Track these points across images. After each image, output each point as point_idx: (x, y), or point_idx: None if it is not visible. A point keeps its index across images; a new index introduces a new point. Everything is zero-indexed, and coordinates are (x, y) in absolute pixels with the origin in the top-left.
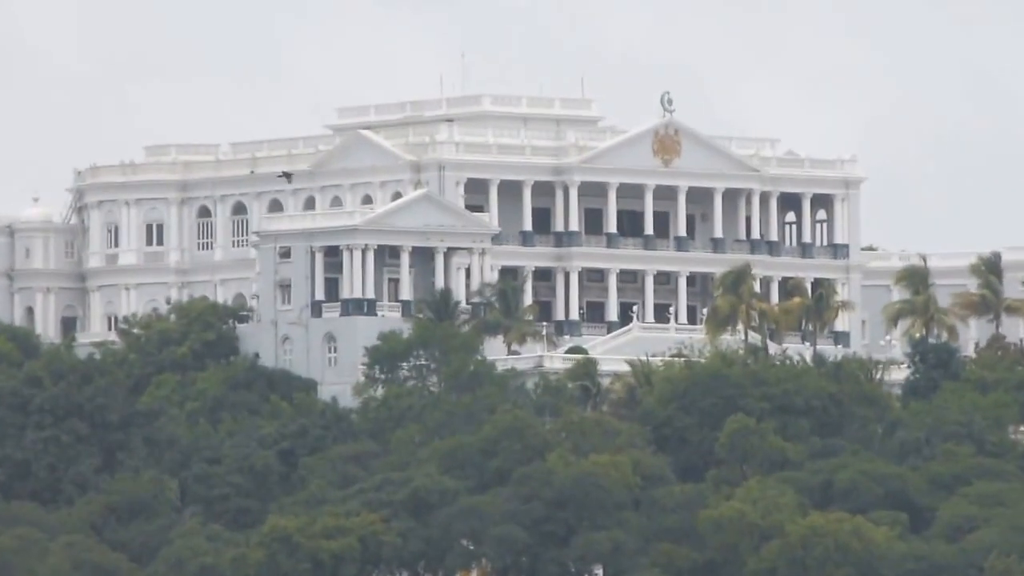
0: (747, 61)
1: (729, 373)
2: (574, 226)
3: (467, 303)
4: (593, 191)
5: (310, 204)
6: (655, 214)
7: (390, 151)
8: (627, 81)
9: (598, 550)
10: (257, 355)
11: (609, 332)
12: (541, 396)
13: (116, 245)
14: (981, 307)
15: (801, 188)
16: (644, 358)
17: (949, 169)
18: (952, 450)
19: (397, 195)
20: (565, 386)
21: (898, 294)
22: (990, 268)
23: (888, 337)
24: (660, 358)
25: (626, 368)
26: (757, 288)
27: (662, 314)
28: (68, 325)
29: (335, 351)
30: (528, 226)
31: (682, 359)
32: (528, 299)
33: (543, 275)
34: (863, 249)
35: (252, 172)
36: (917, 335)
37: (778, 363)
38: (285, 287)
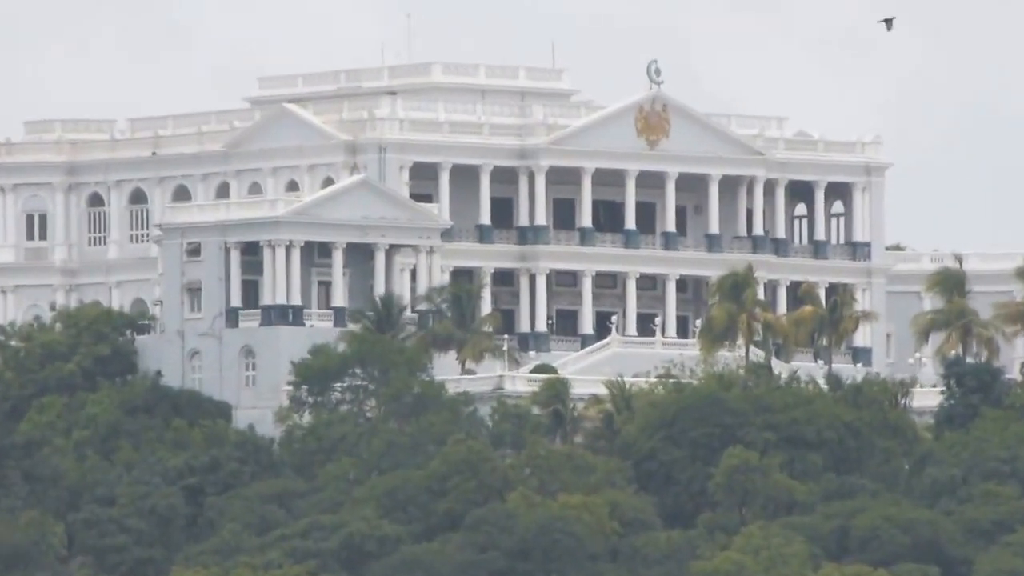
0: (748, 23)
1: (726, 397)
2: (541, 219)
3: (413, 311)
4: (564, 178)
5: (224, 192)
6: (639, 205)
7: (321, 129)
8: (605, 47)
9: None
10: (160, 373)
11: (583, 347)
12: (501, 424)
13: None
14: None
15: (814, 175)
16: (625, 379)
17: (990, 153)
18: (993, 491)
19: (329, 181)
20: (530, 412)
21: (930, 303)
22: None
23: (917, 355)
24: (644, 379)
25: (603, 391)
26: (761, 295)
27: (646, 326)
28: None
29: (254, 368)
30: (486, 219)
31: (670, 380)
32: (486, 307)
33: (504, 278)
34: (887, 249)
35: (154, 153)
36: (952, 352)
37: (785, 386)
38: (194, 291)
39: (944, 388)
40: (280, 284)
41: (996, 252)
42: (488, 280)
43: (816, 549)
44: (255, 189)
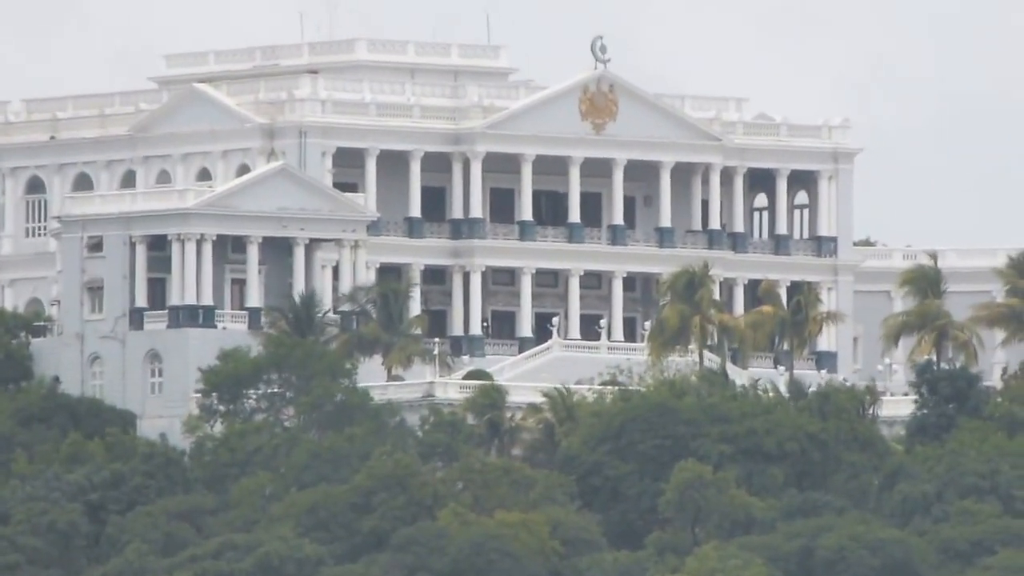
0: None
1: (678, 406)
2: (476, 211)
3: (335, 312)
4: (502, 166)
5: (129, 180)
6: (583, 196)
7: (235, 111)
8: (546, 22)
9: None
10: (57, 379)
11: (521, 351)
12: (431, 435)
13: None
14: (1010, 321)
15: (775, 163)
16: (567, 386)
17: (971, 139)
18: (971, 509)
19: (244, 169)
20: (463, 422)
21: (902, 303)
22: (1021, 270)
23: (888, 360)
24: (588, 386)
25: (543, 399)
26: (716, 294)
27: (591, 328)
28: None
29: (160, 375)
30: (416, 211)
31: (616, 388)
32: (416, 308)
33: (435, 276)
34: (856, 244)
35: (52, 138)
36: (925, 357)
37: (743, 394)
38: (95, 290)
39: (917, 396)
40: (190, 282)
41: (975, 248)
42: (418, 278)
43: (776, 571)
44: (163, 178)
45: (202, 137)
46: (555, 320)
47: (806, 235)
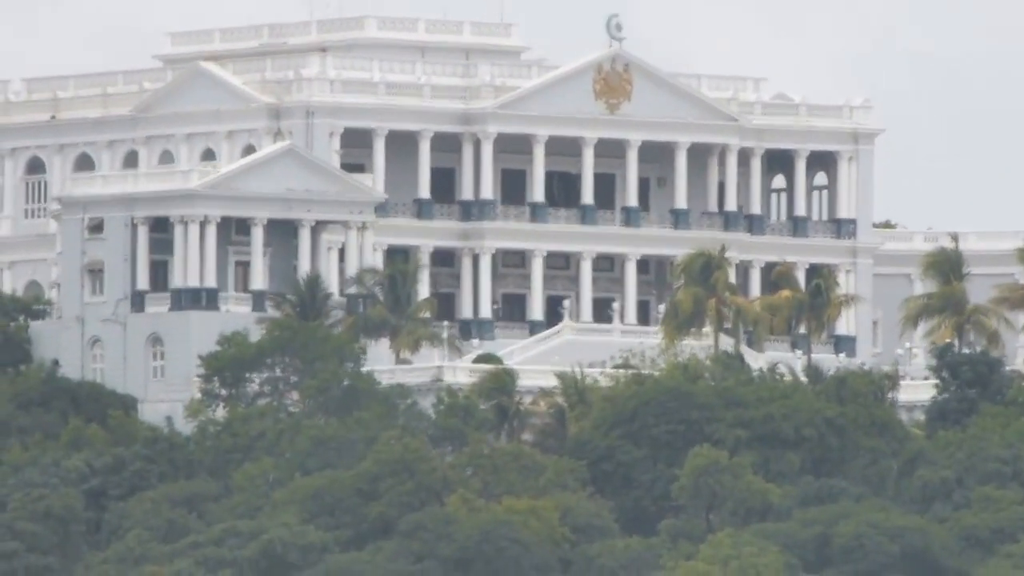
0: None
1: (693, 390)
2: (487, 193)
3: (341, 295)
4: (514, 146)
5: (131, 161)
6: (597, 177)
7: (241, 90)
8: (560, 0)
9: None
10: (57, 363)
11: (532, 335)
12: (440, 419)
13: None
14: None
15: (794, 143)
16: (578, 369)
17: (993, 120)
18: (992, 495)
19: (250, 149)
20: (473, 406)
21: (922, 286)
22: None
23: (908, 344)
24: (600, 370)
25: (554, 383)
26: (732, 277)
27: (603, 311)
28: None
29: (162, 358)
30: (425, 192)
31: (629, 371)
32: (424, 291)
33: (444, 258)
34: (876, 226)
35: (52, 117)
36: (946, 341)
37: (759, 378)
38: (96, 272)
39: (937, 381)
40: (193, 264)
41: (997, 231)
42: (427, 260)
43: (793, 559)
44: (166, 158)
45: (207, 117)
46: (566, 303)
47: (825, 217)
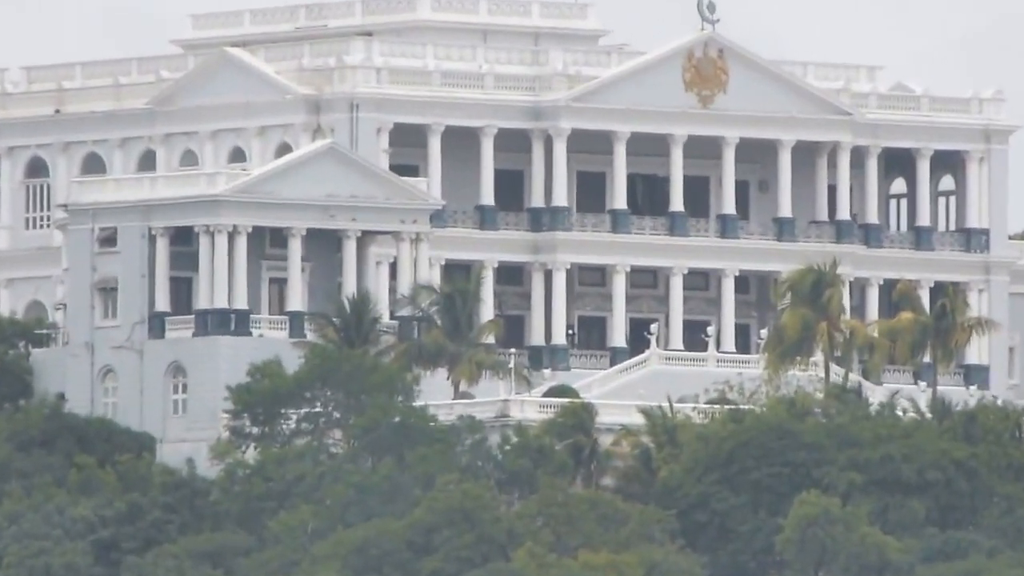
0: None
1: (799, 428)
2: (560, 199)
3: (392, 317)
4: (591, 145)
5: (148, 162)
6: (688, 180)
7: (274, 80)
8: None
9: None
10: (62, 396)
11: (613, 364)
12: (507, 461)
13: None
14: None
15: (916, 142)
16: (667, 404)
17: None
18: None
19: (285, 148)
20: (545, 446)
21: None
22: None
23: None
24: (692, 405)
25: (639, 420)
26: (846, 297)
27: (696, 337)
28: None
29: (184, 391)
30: (488, 198)
31: (726, 407)
32: (488, 312)
33: (511, 275)
34: (1012, 238)
35: (57, 111)
36: None
37: (877, 413)
38: (108, 292)
39: None
40: (220, 282)
41: None
42: (491, 277)
43: None
44: (189, 159)
45: (235, 111)
46: (653, 327)
47: (952, 227)
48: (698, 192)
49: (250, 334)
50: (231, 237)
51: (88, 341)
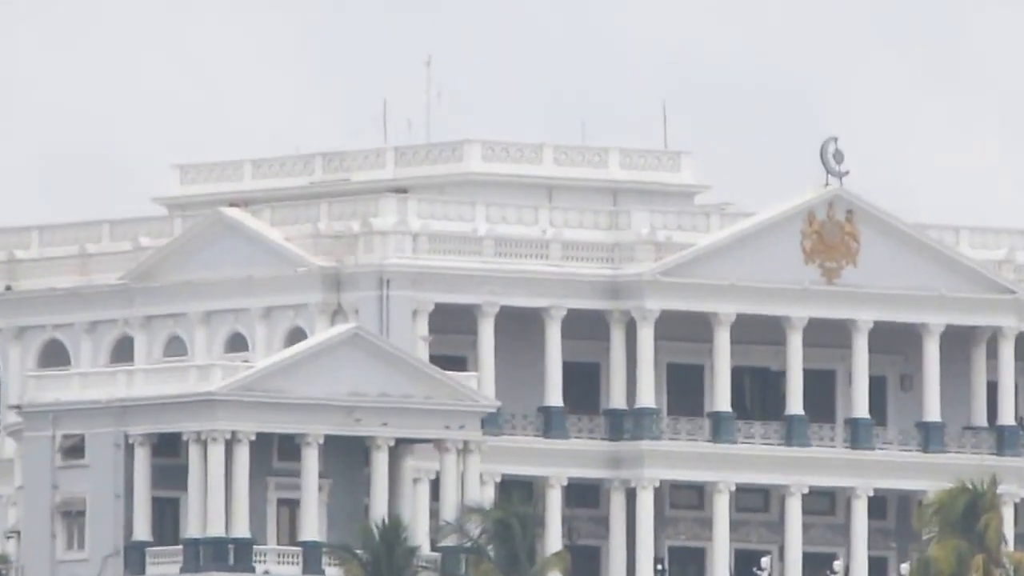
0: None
1: None
2: (647, 399)
3: (434, 548)
4: (685, 331)
5: (123, 351)
6: (809, 375)
7: (283, 248)
8: (745, 120)
9: None
10: None
11: None
12: None
13: None
14: None
15: None
16: None
17: None
18: None
19: (297, 334)
20: None
21: None
22: None
23: None
24: None
25: None
26: (1010, 522)
27: (820, 572)
28: None
29: None
30: (556, 398)
31: None
32: (555, 542)
33: (585, 494)
34: None
35: (8, 288)
36: None
37: None
38: (73, 516)
39: None
40: (215, 504)
41: None
42: (558, 497)
43: None
44: (175, 347)
45: (234, 287)
46: (764, 562)
47: None
48: (822, 390)
49: (253, 570)
50: (229, 446)
51: None
